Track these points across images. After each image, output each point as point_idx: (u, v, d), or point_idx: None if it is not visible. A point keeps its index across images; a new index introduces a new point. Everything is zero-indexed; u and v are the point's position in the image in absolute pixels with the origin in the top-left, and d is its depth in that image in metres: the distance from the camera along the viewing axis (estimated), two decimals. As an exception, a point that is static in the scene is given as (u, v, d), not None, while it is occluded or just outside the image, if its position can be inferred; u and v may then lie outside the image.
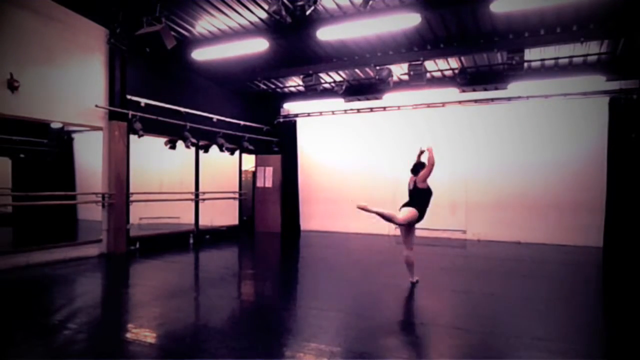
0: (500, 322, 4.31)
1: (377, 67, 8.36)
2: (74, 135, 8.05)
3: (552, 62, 8.41)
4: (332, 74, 9.71)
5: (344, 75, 9.85)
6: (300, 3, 5.96)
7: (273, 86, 10.91)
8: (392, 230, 10.05)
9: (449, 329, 4.04)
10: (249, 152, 11.25)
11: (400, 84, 9.63)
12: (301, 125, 11.75)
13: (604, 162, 8.52)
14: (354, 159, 11.19)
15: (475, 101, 9.69)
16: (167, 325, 4.10)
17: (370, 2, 5.94)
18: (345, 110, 11.03)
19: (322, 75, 9.61)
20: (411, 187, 5.60)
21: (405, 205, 5.50)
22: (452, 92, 9.55)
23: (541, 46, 7.54)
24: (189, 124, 9.04)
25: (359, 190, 10.98)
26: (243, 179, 11.47)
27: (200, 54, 8.22)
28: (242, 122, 10.80)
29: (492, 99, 9.52)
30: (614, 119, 8.44)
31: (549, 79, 8.62)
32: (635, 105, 8.27)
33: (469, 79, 8.95)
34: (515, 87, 8.96)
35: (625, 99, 8.36)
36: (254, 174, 11.81)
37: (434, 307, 4.95)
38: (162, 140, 8.98)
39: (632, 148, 8.23)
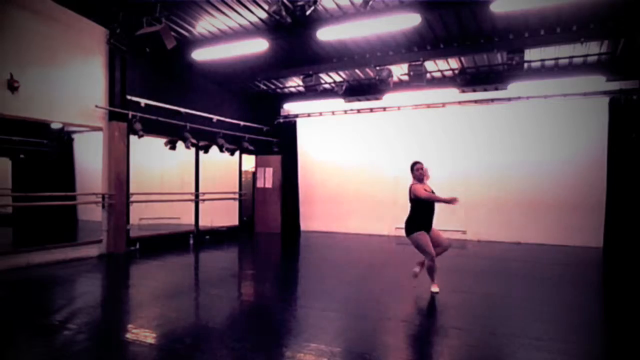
0: (500, 322, 4.31)
1: (377, 68, 8.36)
2: (74, 136, 8.05)
3: (552, 62, 8.41)
4: (332, 74, 9.71)
5: (344, 76, 9.85)
6: (300, 3, 5.97)
7: (273, 86, 10.91)
8: (392, 230, 10.06)
9: (448, 329, 4.03)
10: (249, 152, 11.25)
11: (400, 84, 9.63)
12: (301, 125, 11.75)
13: (604, 162, 8.52)
14: (354, 159, 11.19)
15: (475, 101, 9.69)
16: (167, 325, 4.09)
17: (370, 2, 5.94)
18: (345, 111, 11.03)
19: (322, 75, 9.62)
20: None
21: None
22: (452, 93, 9.54)
23: (541, 46, 7.54)
24: (189, 125, 9.04)
25: (359, 191, 11.01)
26: (243, 179, 11.47)
27: (200, 54, 8.22)
28: (242, 123, 10.80)
29: (492, 100, 9.52)
30: (614, 119, 8.45)
31: (549, 79, 8.61)
32: (635, 106, 8.28)
33: (469, 80, 8.95)
34: (515, 88, 8.94)
35: (626, 99, 8.36)
36: (254, 174, 11.81)
37: (434, 308, 4.95)
38: (162, 140, 8.97)
39: (632, 148, 8.24)
